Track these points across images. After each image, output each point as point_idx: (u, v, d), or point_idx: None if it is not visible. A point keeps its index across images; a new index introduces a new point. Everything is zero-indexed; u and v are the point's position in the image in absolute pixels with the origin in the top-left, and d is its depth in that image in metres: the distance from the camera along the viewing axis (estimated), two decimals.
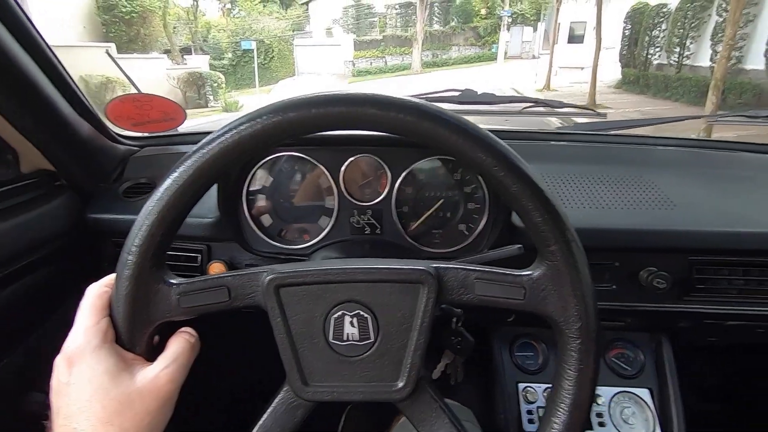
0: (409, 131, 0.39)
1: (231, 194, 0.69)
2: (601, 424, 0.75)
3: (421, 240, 0.71)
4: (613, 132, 0.95)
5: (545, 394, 0.78)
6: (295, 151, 0.69)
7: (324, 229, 0.70)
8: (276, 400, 0.44)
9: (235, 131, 0.39)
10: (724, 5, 7.90)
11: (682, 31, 9.77)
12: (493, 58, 19.72)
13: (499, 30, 19.59)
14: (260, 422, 0.44)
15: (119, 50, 10.65)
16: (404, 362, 0.43)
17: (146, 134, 0.86)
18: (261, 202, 0.71)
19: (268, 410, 0.44)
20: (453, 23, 21.19)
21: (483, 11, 20.88)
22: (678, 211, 0.73)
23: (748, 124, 0.86)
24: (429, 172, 0.70)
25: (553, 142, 0.91)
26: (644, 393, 0.78)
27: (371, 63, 20.17)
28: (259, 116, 0.39)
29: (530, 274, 0.43)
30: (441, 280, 0.44)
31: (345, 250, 0.68)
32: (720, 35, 7.25)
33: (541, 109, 0.90)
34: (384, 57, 20.53)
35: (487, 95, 0.86)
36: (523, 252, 0.55)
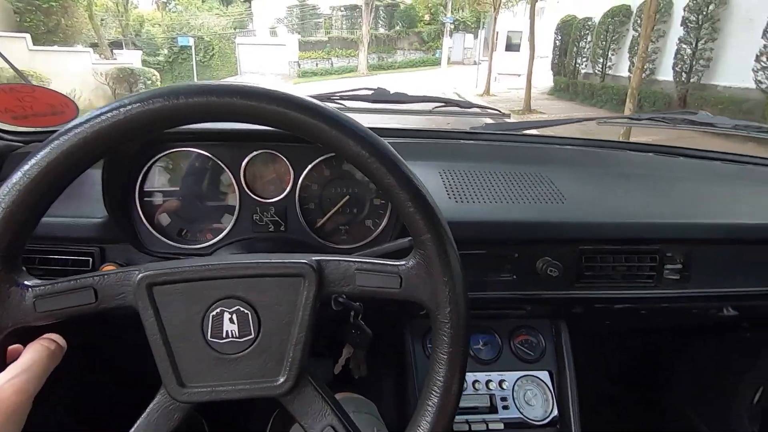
0: (279, 122, 0.39)
1: (121, 192, 0.65)
2: (506, 407, 0.80)
3: (328, 237, 0.72)
4: (518, 132, 1.01)
5: None
6: (193, 147, 0.67)
7: (226, 228, 0.68)
8: (151, 405, 0.42)
9: (95, 121, 0.37)
10: (639, 21, 8.69)
11: (604, 43, 10.62)
12: (437, 63, 20.30)
13: (442, 36, 20.20)
14: (134, 428, 0.42)
15: (36, 42, 9.66)
16: (285, 357, 0.43)
17: (31, 129, 0.78)
18: (157, 200, 0.68)
19: (143, 415, 0.42)
20: (398, 27, 21.53)
21: (426, 17, 21.43)
22: (568, 204, 0.79)
23: (631, 125, 0.95)
24: (334, 169, 0.71)
25: (463, 141, 0.95)
26: (544, 375, 0.84)
27: (317, 64, 19.98)
28: (123, 105, 0.37)
29: (406, 264, 0.44)
30: (322, 272, 0.44)
31: (247, 248, 0.67)
32: (636, 48, 7.95)
33: (455, 108, 0.94)
34: (330, 58, 20.42)
35: (399, 94, 0.89)
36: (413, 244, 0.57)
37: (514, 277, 0.78)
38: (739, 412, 1.11)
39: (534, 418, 0.80)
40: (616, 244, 0.79)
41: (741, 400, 1.12)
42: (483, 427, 0.77)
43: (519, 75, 12.78)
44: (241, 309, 0.43)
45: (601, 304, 0.82)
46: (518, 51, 16.35)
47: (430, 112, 0.91)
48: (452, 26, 20.51)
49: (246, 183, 0.68)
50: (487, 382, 0.81)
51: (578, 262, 0.78)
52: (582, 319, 0.89)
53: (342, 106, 0.88)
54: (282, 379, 0.43)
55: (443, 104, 0.91)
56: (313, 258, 0.44)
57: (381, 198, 0.73)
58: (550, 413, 0.81)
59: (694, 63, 7.87)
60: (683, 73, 8.05)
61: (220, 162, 0.67)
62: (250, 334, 0.43)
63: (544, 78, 13.21)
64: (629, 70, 8.62)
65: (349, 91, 0.90)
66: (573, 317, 0.87)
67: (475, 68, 14.42)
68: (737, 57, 7.05)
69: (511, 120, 1.02)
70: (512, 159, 0.92)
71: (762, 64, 6.45)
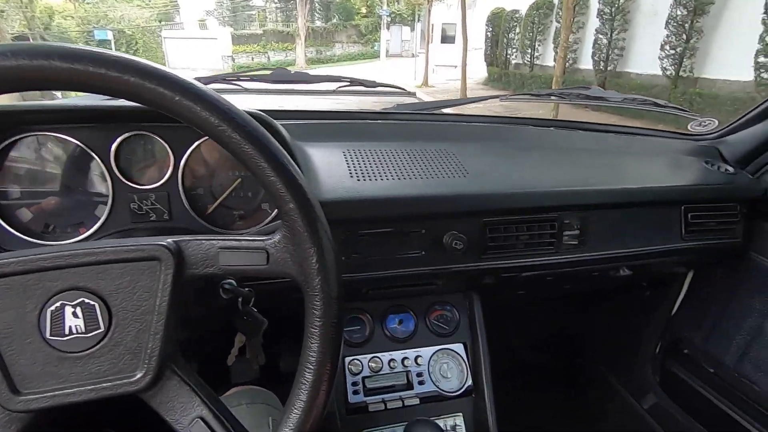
0: (113, 90, 0.35)
1: None
2: (421, 382, 0.80)
3: (222, 223, 0.67)
4: (428, 112, 1.02)
5: (370, 363, 0.80)
6: (51, 131, 0.60)
7: (99, 219, 0.62)
8: None
9: None
10: (560, 13, 9.20)
11: (531, 34, 11.16)
12: (376, 55, 20.31)
13: (380, 29, 20.23)
14: None
15: None
16: (143, 349, 0.39)
17: None
18: (13, 194, 0.60)
19: None
20: (335, 20, 21.26)
21: (363, 9, 21.34)
22: (471, 178, 0.80)
23: (531, 100, 0.99)
24: (222, 150, 0.66)
25: (371, 122, 0.94)
26: (459, 348, 0.85)
27: (252, 58, 19.25)
28: None
29: (272, 238, 0.42)
30: (181, 254, 0.41)
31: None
32: (559, 39, 8.43)
33: (360, 88, 0.93)
34: (266, 52, 19.76)
35: (301, 74, 0.85)
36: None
37: (423, 252, 0.78)
38: (643, 365, 1.22)
39: (449, 389, 0.81)
40: (517, 214, 0.82)
41: (644, 354, 1.22)
42: (399, 404, 0.77)
43: (455, 66, 13.12)
44: (87, 301, 0.38)
45: (508, 273, 0.85)
46: (453, 43, 16.74)
47: (334, 92, 0.89)
48: (389, 19, 20.59)
49: (119, 169, 0.62)
50: (403, 359, 0.82)
51: (483, 234, 0.80)
52: (492, 290, 0.91)
53: (238, 87, 0.83)
54: (140, 374, 0.39)
55: (347, 83, 0.89)
56: (170, 239, 0.41)
57: None
58: (465, 383, 0.82)
59: (609, 52, 8.49)
60: (601, 62, 8.67)
61: (85, 147, 0.60)
62: (99, 328, 0.38)
63: (479, 68, 13.66)
64: (554, 60, 9.14)
65: (246, 72, 0.85)
66: (484, 288, 0.89)
67: (413, 60, 14.60)
68: (646, 46, 7.70)
69: (421, 100, 1.03)
70: (419, 137, 0.92)
71: (665, 52, 7.09)
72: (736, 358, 1.01)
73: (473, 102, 1.04)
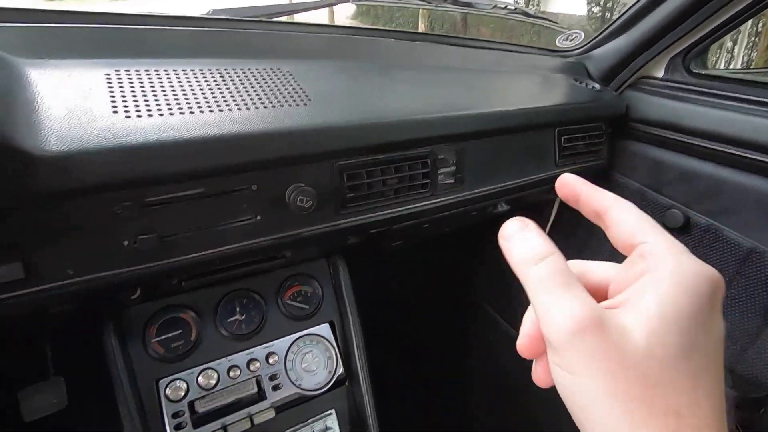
0: None
1: None
2: (277, 387, 0.61)
3: None
4: (254, 18, 0.73)
5: (200, 378, 0.57)
6: None
7: None
8: None
9: None
10: None
11: None
12: None
13: None
14: None
15: None
16: None
17: None
18: None
19: None
20: None
21: None
22: (315, 106, 0.57)
23: (389, 4, 0.78)
24: None
25: (165, 28, 0.63)
26: (324, 329, 0.67)
27: None
28: None
29: None
30: None
31: None
32: None
33: None
34: None
35: None
36: None
37: (258, 217, 0.55)
38: (519, 297, 1.21)
39: (316, 386, 0.64)
40: (381, 152, 0.63)
41: (518, 285, 1.22)
42: (246, 424, 0.57)
43: None
44: None
45: (377, 228, 0.67)
46: None
47: None
48: None
49: None
50: (249, 362, 0.60)
51: (339, 184, 0.59)
52: (359, 250, 0.74)
53: None
54: None
55: None
56: None
57: None
58: (335, 373, 0.66)
59: None
60: None
61: None
62: None
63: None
64: None
65: None
66: (349, 249, 0.71)
67: None
68: None
69: (247, 5, 0.73)
70: (239, 53, 0.65)
71: None
72: None
73: (317, 8, 0.78)
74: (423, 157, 0.66)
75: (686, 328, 0.19)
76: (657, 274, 0.20)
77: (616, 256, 0.26)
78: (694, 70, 0.88)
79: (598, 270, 0.25)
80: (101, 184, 0.43)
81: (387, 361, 0.72)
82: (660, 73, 0.91)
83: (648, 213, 0.23)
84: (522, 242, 0.23)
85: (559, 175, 0.83)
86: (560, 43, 0.99)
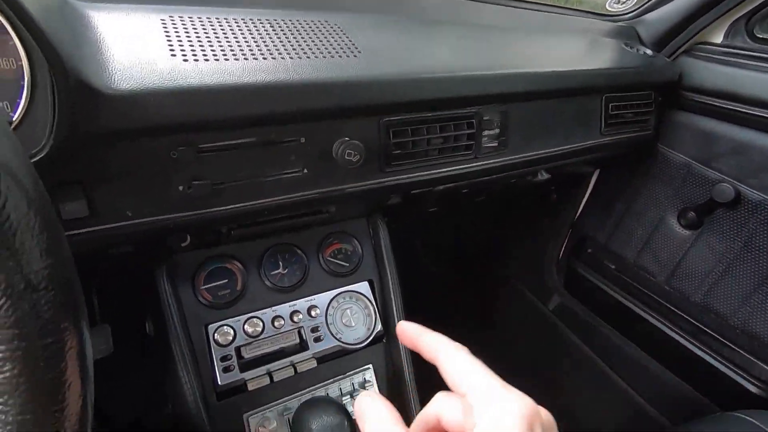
0: None
1: None
2: (318, 339, 0.62)
3: None
4: None
5: (246, 326, 0.59)
6: None
7: None
8: None
9: None
10: None
11: None
12: None
13: None
14: None
15: None
16: None
17: None
18: None
19: None
20: None
21: None
22: (364, 59, 0.56)
23: None
24: None
25: None
26: (364, 287, 0.68)
27: None
28: None
29: None
30: None
31: None
32: None
33: None
34: None
35: None
36: None
37: (305, 171, 0.55)
38: (549, 268, 1.20)
39: (355, 340, 0.65)
40: (427, 110, 0.61)
41: (550, 257, 1.20)
42: (290, 372, 0.59)
43: None
44: None
45: (419, 188, 0.67)
46: None
47: None
48: None
49: None
50: (292, 314, 0.62)
51: (385, 140, 0.59)
52: (400, 211, 0.74)
53: None
54: None
55: None
56: None
57: None
58: (373, 330, 0.67)
59: None
60: None
61: None
62: None
63: None
64: None
65: None
66: (389, 210, 0.71)
67: None
68: None
69: None
70: (288, 3, 0.64)
71: None
72: (636, 253, 1.00)
73: None
74: (469, 117, 0.65)
75: None
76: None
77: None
78: (759, 35, 0.82)
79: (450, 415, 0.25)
80: (161, 125, 0.44)
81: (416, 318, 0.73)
82: (719, 39, 0.86)
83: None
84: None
85: (604, 145, 0.81)
86: (611, 6, 0.95)
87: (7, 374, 0.18)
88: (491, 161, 0.70)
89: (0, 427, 0.19)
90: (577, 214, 1.16)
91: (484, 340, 1.30)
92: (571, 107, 0.78)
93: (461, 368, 0.25)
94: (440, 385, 0.26)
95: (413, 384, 0.65)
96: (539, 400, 0.24)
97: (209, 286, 0.59)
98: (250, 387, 0.56)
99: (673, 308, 0.95)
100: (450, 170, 0.66)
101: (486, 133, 0.68)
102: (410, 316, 0.71)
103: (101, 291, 0.79)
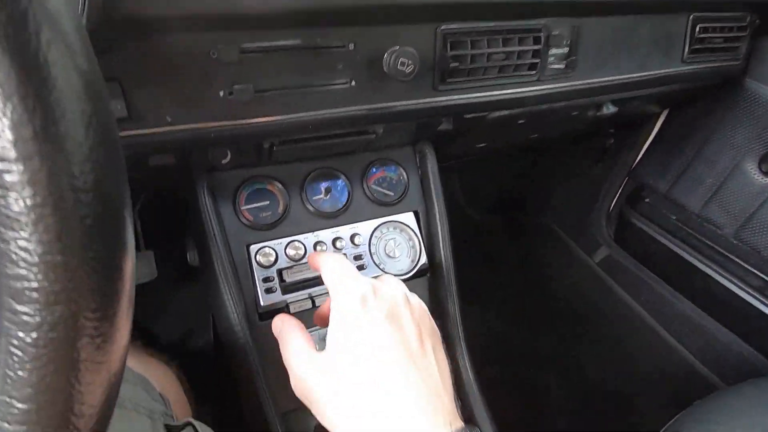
0: None
1: None
2: (361, 267, 0.60)
3: None
4: None
5: (288, 249, 0.57)
6: None
7: None
8: None
9: None
10: None
11: None
12: None
13: None
14: None
15: None
16: None
17: None
18: None
19: None
20: None
21: None
22: None
23: None
24: None
25: None
26: (409, 218, 0.64)
27: None
28: None
29: None
30: None
31: None
32: None
33: None
34: None
35: None
36: None
37: (353, 83, 0.50)
38: (599, 218, 1.13)
39: (399, 271, 0.62)
40: (490, 19, 0.54)
41: (600, 207, 1.13)
42: None
43: None
44: None
45: (473, 112, 0.61)
46: None
47: None
48: None
49: None
50: (335, 240, 0.59)
51: (441, 52, 0.52)
52: (449, 140, 0.68)
53: None
54: None
55: None
56: None
57: None
58: (418, 262, 0.63)
59: None
60: None
61: None
62: None
63: None
64: None
65: None
66: (439, 137, 0.65)
67: None
68: None
69: None
70: None
71: None
72: (702, 203, 0.92)
73: None
74: (536, 31, 0.57)
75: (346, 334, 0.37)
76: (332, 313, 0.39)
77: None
78: None
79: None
80: (198, 15, 0.39)
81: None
82: None
83: None
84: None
85: (684, 75, 0.70)
86: None
87: None
88: (556, 85, 0.63)
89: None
90: (636, 160, 1.07)
91: (529, 287, 1.27)
92: (651, 27, 0.68)
93: (330, 267, 0.42)
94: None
95: (458, 319, 0.63)
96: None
97: (251, 207, 0.56)
98: (293, 310, 0.55)
99: (741, 262, 0.87)
100: (509, 92, 0.60)
101: (553, 51, 0.60)
102: (454, 255, 0.67)
103: (144, 219, 0.80)
